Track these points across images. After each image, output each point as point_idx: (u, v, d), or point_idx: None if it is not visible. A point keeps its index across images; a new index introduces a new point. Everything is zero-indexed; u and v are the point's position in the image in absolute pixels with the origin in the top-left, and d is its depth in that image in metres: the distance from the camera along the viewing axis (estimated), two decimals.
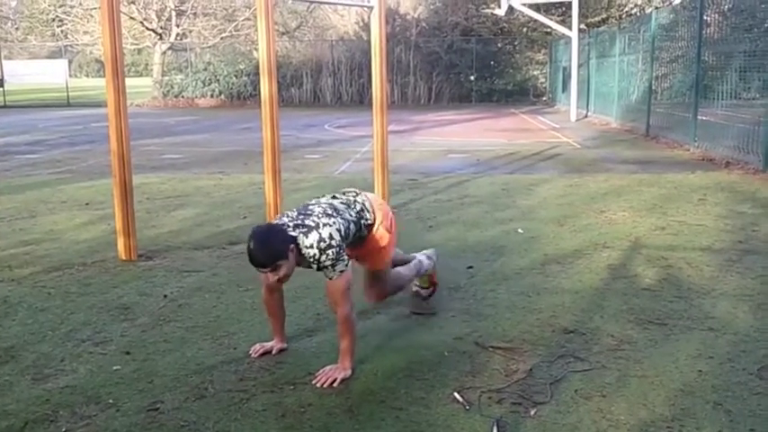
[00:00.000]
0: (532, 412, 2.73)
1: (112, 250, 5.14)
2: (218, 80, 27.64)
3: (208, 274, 4.67)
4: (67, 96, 29.92)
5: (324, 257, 3.02)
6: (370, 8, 6.40)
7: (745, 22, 10.18)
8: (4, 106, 28.28)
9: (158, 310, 3.95)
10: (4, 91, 29.89)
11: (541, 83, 27.70)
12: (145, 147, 12.59)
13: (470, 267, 4.71)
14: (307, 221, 3.08)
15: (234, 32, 31.78)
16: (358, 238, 3.36)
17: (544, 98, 26.81)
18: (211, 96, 27.61)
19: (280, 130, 5.65)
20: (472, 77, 27.04)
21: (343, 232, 3.13)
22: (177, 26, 31.29)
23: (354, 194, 3.45)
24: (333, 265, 3.04)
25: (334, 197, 3.41)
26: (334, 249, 3.03)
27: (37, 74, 35.91)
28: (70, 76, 39.03)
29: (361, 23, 28.09)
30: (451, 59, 26.87)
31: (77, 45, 37.48)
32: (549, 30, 24.45)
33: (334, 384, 2.96)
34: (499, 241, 5.44)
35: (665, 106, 13.59)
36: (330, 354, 3.22)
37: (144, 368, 3.18)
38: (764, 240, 5.37)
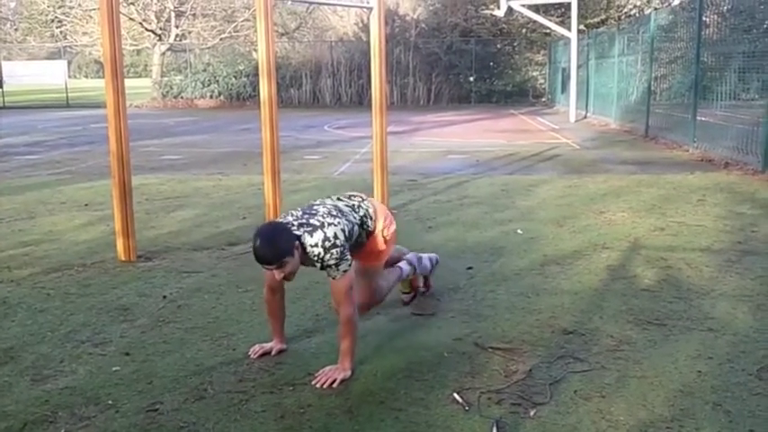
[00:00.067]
0: (532, 413, 2.73)
1: (112, 251, 5.14)
2: (218, 81, 27.66)
3: (207, 274, 4.67)
4: (67, 97, 29.92)
5: (328, 256, 3.03)
6: (370, 9, 6.41)
7: (744, 23, 10.19)
8: (4, 107, 28.27)
9: (158, 311, 3.95)
10: (3, 92, 29.89)
11: (540, 84, 27.72)
12: (144, 148, 12.59)
13: (470, 268, 4.71)
14: (312, 221, 3.10)
15: (233, 33, 31.80)
16: (358, 243, 3.38)
17: (543, 99, 26.83)
18: (210, 97, 27.63)
19: (279, 131, 5.65)
20: (471, 78, 27.05)
21: (347, 233, 3.15)
22: (176, 27, 31.30)
23: (360, 200, 3.47)
24: (336, 265, 3.05)
25: (339, 199, 3.43)
26: (338, 249, 3.04)
27: (36, 75, 35.87)
28: (69, 76, 39.00)
29: (361, 24, 28.11)
30: (451, 60, 26.88)
31: (76, 46, 37.47)
32: (548, 31, 24.48)
33: (334, 385, 2.96)
34: (498, 242, 5.44)
35: (665, 107, 13.60)
36: (329, 354, 3.22)
37: (143, 369, 3.18)
38: (763, 241, 5.38)
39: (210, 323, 3.76)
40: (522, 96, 26.99)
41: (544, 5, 22.23)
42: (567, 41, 19.50)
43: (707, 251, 5.09)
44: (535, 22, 22.34)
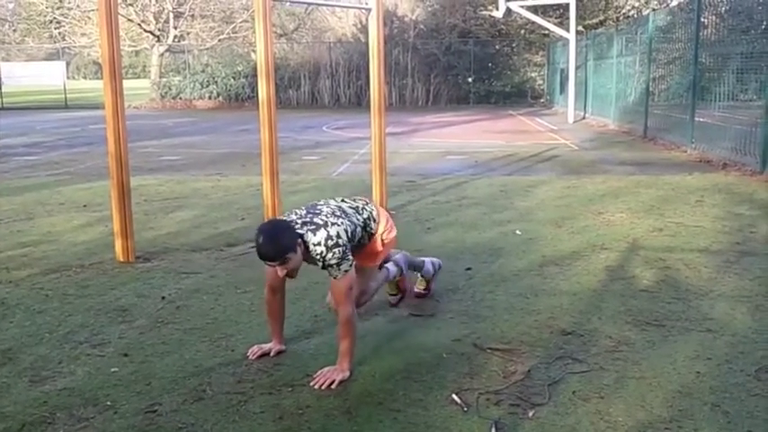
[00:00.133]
0: (531, 414, 2.73)
1: (110, 252, 5.14)
2: (216, 82, 27.66)
3: (206, 275, 4.67)
4: (65, 98, 29.92)
5: (330, 255, 3.04)
6: (368, 10, 6.41)
7: (742, 24, 10.20)
8: (2, 108, 28.26)
9: (156, 312, 3.95)
10: (1, 93, 29.87)
11: (539, 85, 27.74)
12: (143, 148, 12.59)
13: (468, 269, 4.71)
14: (315, 219, 3.11)
15: (232, 34, 31.78)
16: (359, 245, 3.38)
17: (542, 100, 26.84)
18: (209, 98, 27.63)
19: (278, 132, 5.65)
20: (470, 79, 27.07)
21: (349, 234, 3.17)
22: (175, 28, 31.28)
23: (364, 202, 3.50)
24: (338, 264, 3.05)
25: (343, 201, 3.45)
26: (340, 248, 3.05)
27: (34, 76, 35.95)
28: (68, 77, 39.05)
29: (359, 25, 28.12)
30: (449, 61, 26.90)
31: (75, 47, 37.42)
32: (546, 32, 24.51)
33: (333, 386, 2.96)
34: (497, 243, 5.44)
35: (663, 108, 13.61)
36: (328, 355, 3.22)
37: (142, 370, 3.17)
38: (762, 242, 5.38)
39: (209, 324, 3.76)
40: (520, 97, 27.01)
41: (543, 6, 22.26)
42: (566, 42, 19.52)
43: (705, 252, 5.09)
44: (534, 23, 22.36)
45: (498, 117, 20.65)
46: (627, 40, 15.89)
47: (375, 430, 2.63)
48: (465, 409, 2.77)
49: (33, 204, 7.29)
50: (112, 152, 4.93)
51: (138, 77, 56.54)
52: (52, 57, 43.81)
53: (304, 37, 34.07)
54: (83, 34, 32.76)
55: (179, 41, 31.58)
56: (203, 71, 28.23)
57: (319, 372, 3.05)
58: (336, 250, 3.04)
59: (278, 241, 2.97)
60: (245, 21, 31.06)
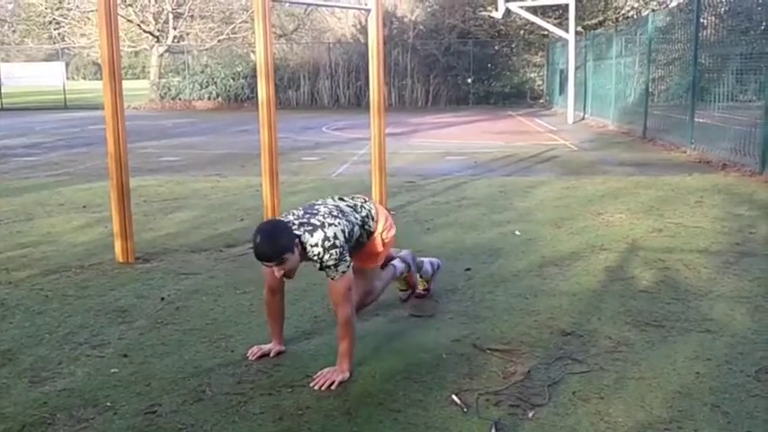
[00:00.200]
0: (530, 414, 2.73)
1: (110, 253, 5.14)
2: (216, 82, 27.66)
3: (205, 276, 4.67)
4: (65, 99, 29.92)
5: (327, 256, 3.03)
6: (368, 11, 6.41)
7: (742, 25, 10.21)
8: (2, 109, 28.25)
9: (156, 313, 3.95)
10: (1, 93, 29.86)
11: (538, 85, 27.75)
12: (142, 149, 12.59)
13: (468, 269, 4.71)
14: (312, 220, 3.10)
15: (231, 35, 31.78)
16: (358, 244, 3.38)
17: (541, 100, 26.85)
18: (209, 99, 27.62)
19: (277, 133, 5.64)
20: (469, 80, 27.08)
21: (347, 234, 3.16)
22: (174, 29, 31.28)
23: (362, 200, 3.49)
24: (335, 265, 3.05)
25: (341, 199, 3.44)
26: (337, 249, 3.04)
27: (34, 76, 35.91)
28: (67, 78, 39.02)
29: (359, 26, 28.13)
30: (449, 62, 26.90)
31: (74, 48, 37.41)
32: (545, 32, 24.52)
33: (332, 387, 2.96)
34: (496, 243, 5.44)
35: (662, 108, 13.61)
36: (328, 356, 3.21)
37: (141, 371, 3.17)
38: (761, 242, 5.38)
39: (209, 325, 3.76)
40: (519, 98, 27.02)
41: (542, 7, 22.27)
42: (565, 43, 19.52)
43: (705, 252, 5.09)
44: (533, 23, 22.37)
45: (498, 118, 20.65)
46: (626, 40, 15.90)
47: (375, 431, 2.63)
48: (465, 409, 2.77)
49: (33, 205, 7.28)
50: (112, 153, 4.93)
51: (138, 78, 56.53)
52: (52, 57, 43.76)
53: (303, 37, 34.07)
54: (82, 35, 32.76)
55: (178, 42, 31.59)
56: (203, 72, 28.24)
57: (319, 372, 3.05)
58: (334, 251, 3.04)
59: (276, 242, 2.96)
60: (245, 21, 31.07)
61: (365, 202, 3.50)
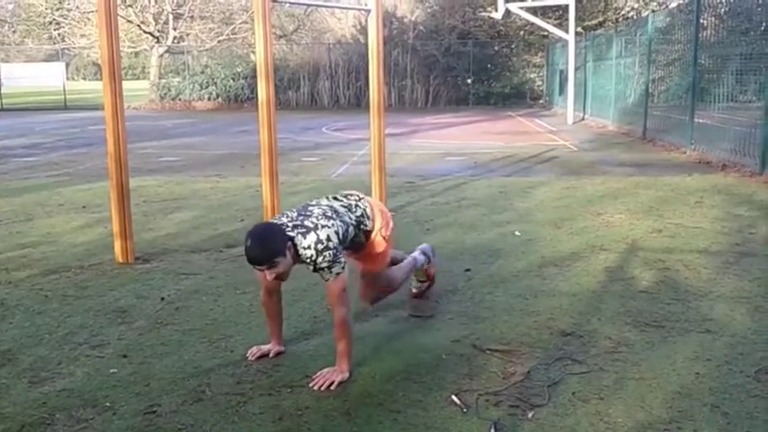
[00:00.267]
0: (530, 415, 2.73)
1: (109, 253, 5.14)
2: (216, 83, 27.66)
3: (205, 276, 4.67)
4: (65, 99, 29.92)
5: (320, 259, 3.03)
6: (368, 11, 6.41)
7: (742, 25, 10.21)
8: (2, 109, 28.25)
9: (155, 313, 3.95)
10: (1, 94, 29.86)
11: (538, 86, 27.75)
12: (142, 150, 12.59)
13: (468, 270, 4.71)
14: (306, 222, 3.10)
15: (231, 36, 31.78)
16: (356, 243, 3.38)
17: (541, 101, 26.85)
18: (208, 99, 27.63)
19: (277, 133, 5.64)
20: (469, 80, 27.08)
21: (341, 235, 3.15)
22: (174, 29, 31.28)
23: (357, 199, 3.47)
24: (329, 267, 3.04)
25: (335, 198, 3.43)
26: (331, 251, 3.04)
27: (34, 77, 35.92)
28: (67, 78, 39.02)
29: (359, 27, 28.13)
30: (449, 62, 26.91)
31: (74, 48, 37.40)
32: (545, 33, 24.52)
33: (332, 387, 2.96)
34: (496, 244, 5.44)
35: (662, 109, 13.61)
36: (327, 357, 3.21)
37: (141, 371, 3.17)
38: (761, 243, 5.38)
39: (208, 325, 3.76)
40: (519, 98, 27.02)
41: (542, 8, 22.27)
42: (565, 43, 19.53)
43: (705, 253, 5.09)
44: (533, 24, 22.38)
45: (497, 118, 20.65)
46: (626, 41, 15.90)
47: (375, 431, 2.63)
48: (464, 410, 2.77)
49: (33, 205, 7.28)
50: (112, 153, 4.93)
51: (138, 78, 56.52)
52: (52, 58, 43.76)
53: (303, 38, 34.07)
54: (82, 35, 32.76)
55: (178, 43, 31.59)
56: (203, 72, 28.24)
57: (318, 373, 3.05)
58: (327, 253, 3.03)
59: (267, 245, 2.96)
60: (245, 22, 31.07)
61: (359, 200, 3.47)
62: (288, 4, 25.15)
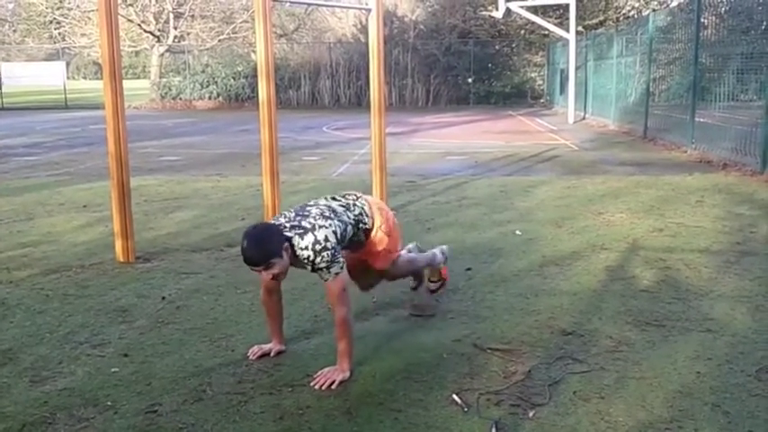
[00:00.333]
0: (531, 414, 2.73)
1: (110, 252, 5.14)
2: (216, 82, 27.67)
3: (206, 276, 4.67)
4: (65, 98, 29.92)
5: (318, 259, 3.02)
6: (368, 11, 6.41)
7: (743, 24, 10.20)
8: (2, 108, 28.25)
9: (156, 313, 3.95)
10: (1, 93, 29.87)
11: (539, 85, 27.74)
12: (143, 149, 12.59)
13: (469, 269, 4.71)
14: (303, 223, 3.09)
15: (232, 35, 31.77)
16: (356, 242, 3.38)
17: (542, 100, 26.84)
18: (209, 98, 27.63)
19: (278, 132, 5.65)
20: (470, 80, 27.08)
21: (339, 235, 3.14)
22: (175, 28, 31.27)
23: (354, 198, 3.46)
24: (328, 268, 3.04)
25: (333, 198, 3.42)
26: (329, 252, 3.03)
27: (34, 76, 35.89)
28: (68, 78, 39.00)
29: (359, 26, 28.12)
30: (449, 62, 26.90)
31: (75, 47, 37.40)
32: (546, 32, 24.51)
33: (333, 386, 2.96)
34: (497, 243, 5.44)
35: (663, 108, 13.61)
36: (328, 356, 3.21)
37: (142, 370, 3.17)
38: (762, 242, 5.38)
39: (209, 324, 3.76)
40: (520, 98, 27.01)
41: (542, 7, 22.27)
42: (566, 43, 19.52)
43: (705, 252, 5.09)
44: (533, 23, 22.37)
45: (498, 117, 20.65)
46: (627, 40, 15.90)
47: (375, 430, 2.63)
48: (465, 409, 2.77)
49: (33, 205, 7.29)
50: (112, 152, 4.93)
51: (138, 78, 56.51)
52: (52, 57, 43.75)
53: (304, 37, 34.07)
54: (83, 34, 32.75)
55: (179, 42, 31.58)
56: (203, 71, 28.24)
57: (319, 372, 3.05)
58: (325, 254, 3.03)
59: (263, 246, 2.96)
60: (245, 21, 31.06)
61: (357, 198, 3.47)
62: (288, 4, 25.17)
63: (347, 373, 3.04)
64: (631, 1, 26.61)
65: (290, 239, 3.03)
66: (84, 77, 66.71)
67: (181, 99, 27.99)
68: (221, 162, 10.79)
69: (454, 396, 2.87)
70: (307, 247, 3.02)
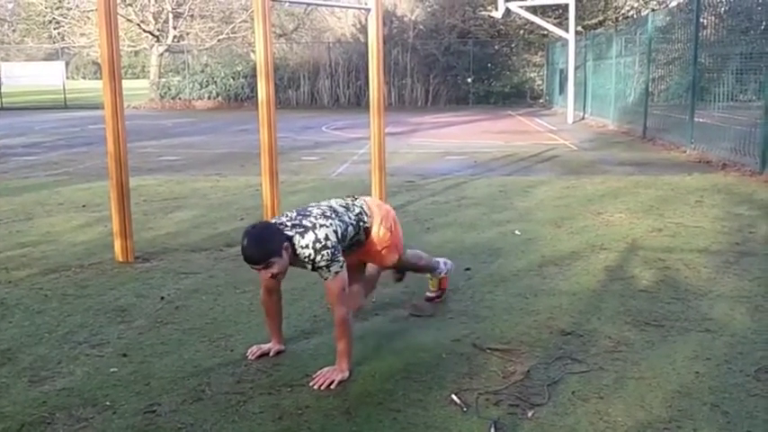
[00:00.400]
0: (530, 414, 2.73)
1: (109, 252, 5.14)
2: (216, 82, 27.66)
3: (205, 276, 4.67)
4: (64, 98, 29.90)
5: (319, 258, 3.03)
6: (368, 10, 6.41)
7: (742, 25, 10.21)
8: (1, 108, 28.24)
9: (155, 312, 3.95)
10: (0, 93, 29.84)
11: (538, 85, 27.75)
12: (142, 149, 12.58)
13: (468, 269, 4.71)
14: (304, 222, 3.11)
15: (231, 34, 31.76)
16: (357, 242, 3.38)
17: (541, 100, 26.85)
18: (208, 98, 27.62)
19: (277, 132, 5.64)
20: (469, 79, 27.08)
21: (339, 234, 3.15)
22: (174, 28, 31.26)
23: (353, 198, 3.51)
24: (328, 266, 3.05)
25: (335, 200, 3.45)
26: (329, 251, 3.04)
27: (34, 76, 35.90)
28: (67, 78, 39.00)
29: (359, 26, 28.13)
30: (448, 61, 26.90)
31: (74, 47, 37.41)
32: (545, 32, 24.51)
33: (332, 386, 2.96)
34: (496, 243, 5.44)
35: (662, 108, 13.61)
36: (327, 356, 3.21)
37: (141, 370, 3.17)
38: (761, 242, 5.38)
39: (208, 324, 3.76)
40: (519, 97, 27.02)
41: (542, 7, 22.26)
42: (565, 43, 19.52)
43: (705, 252, 5.09)
44: (533, 23, 22.37)
45: (497, 117, 20.65)
46: (626, 40, 15.90)
47: (375, 430, 2.63)
48: (464, 409, 2.77)
49: (32, 204, 7.28)
50: (112, 152, 4.93)
51: (138, 78, 56.50)
52: (51, 57, 43.75)
53: (303, 37, 34.07)
54: (82, 34, 32.74)
55: (178, 42, 31.57)
56: (202, 71, 28.23)
57: (318, 372, 3.05)
58: (325, 252, 3.04)
59: (262, 246, 2.98)
60: (245, 21, 31.05)
61: (356, 199, 3.51)
62: (288, 3, 25.17)
63: (346, 373, 3.04)
64: (630, 1, 26.63)
65: (290, 238, 3.04)
66: (84, 77, 66.68)
67: (180, 99, 27.98)
68: (220, 162, 10.79)
69: (453, 396, 2.87)
70: (307, 246, 3.03)
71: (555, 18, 23.95)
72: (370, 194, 6.50)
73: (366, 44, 6.75)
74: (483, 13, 26.00)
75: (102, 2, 4.75)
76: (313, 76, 27.40)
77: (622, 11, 26.54)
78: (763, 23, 9.49)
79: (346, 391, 2.94)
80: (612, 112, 16.47)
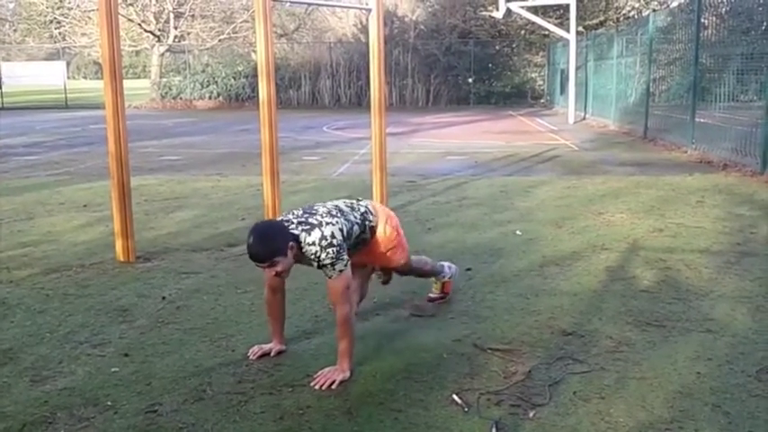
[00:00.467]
0: (531, 414, 2.73)
1: (110, 252, 5.14)
2: (217, 82, 27.67)
3: (206, 275, 4.67)
4: (65, 98, 29.91)
5: (324, 255, 3.04)
6: (369, 10, 6.41)
7: (743, 25, 10.20)
8: (2, 108, 28.25)
9: (157, 312, 3.95)
10: (1, 93, 29.86)
11: (539, 85, 27.75)
12: (143, 148, 12.59)
13: (469, 269, 4.71)
14: (311, 220, 3.12)
15: (232, 34, 31.76)
16: (362, 241, 3.39)
17: (542, 100, 26.84)
18: (209, 98, 27.63)
19: (278, 132, 5.64)
20: (470, 80, 27.08)
21: (345, 232, 3.17)
22: (175, 28, 31.26)
23: (357, 199, 3.54)
24: (332, 264, 3.05)
25: (340, 201, 3.48)
26: (334, 248, 3.05)
27: (35, 75, 35.87)
28: (68, 77, 38.99)
29: (360, 26, 28.12)
30: (449, 62, 26.90)
31: (75, 47, 37.40)
32: (546, 32, 24.51)
33: (333, 386, 2.96)
34: (497, 243, 5.44)
35: (663, 108, 13.61)
36: (329, 356, 3.21)
37: (142, 370, 3.17)
38: (762, 242, 5.38)
39: (209, 324, 3.76)
40: (520, 98, 27.02)
41: (543, 7, 22.26)
42: (566, 43, 19.52)
43: (706, 252, 5.09)
44: (534, 23, 22.37)
45: (498, 117, 20.65)
46: (627, 40, 15.90)
47: (376, 430, 2.63)
48: (466, 409, 2.77)
49: (33, 204, 7.29)
50: (113, 152, 4.93)
51: (139, 77, 56.51)
52: (52, 57, 43.75)
53: (304, 37, 34.06)
54: (83, 34, 32.75)
55: (179, 41, 31.57)
56: (203, 71, 28.24)
57: (320, 372, 3.05)
58: (330, 250, 3.05)
59: (267, 244, 2.99)
60: (246, 21, 31.04)
61: (359, 200, 3.54)
62: (288, 3, 25.17)
63: (347, 373, 3.04)
64: (632, 1, 26.62)
65: (296, 237, 3.05)
66: (85, 77, 66.71)
67: (181, 99, 27.99)
68: (221, 162, 10.79)
69: (454, 396, 2.87)
70: (314, 243, 3.04)
71: (556, 18, 23.95)
72: (370, 195, 6.51)
73: (367, 44, 6.75)
74: (484, 13, 26.00)
75: (103, 2, 4.75)
76: (314, 76, 27.41)
77: (623, 11, 26.52)
78: (764, 24, 9.48)
79: (347, 391, 2.94)
80: (613, 112, 16.47)
